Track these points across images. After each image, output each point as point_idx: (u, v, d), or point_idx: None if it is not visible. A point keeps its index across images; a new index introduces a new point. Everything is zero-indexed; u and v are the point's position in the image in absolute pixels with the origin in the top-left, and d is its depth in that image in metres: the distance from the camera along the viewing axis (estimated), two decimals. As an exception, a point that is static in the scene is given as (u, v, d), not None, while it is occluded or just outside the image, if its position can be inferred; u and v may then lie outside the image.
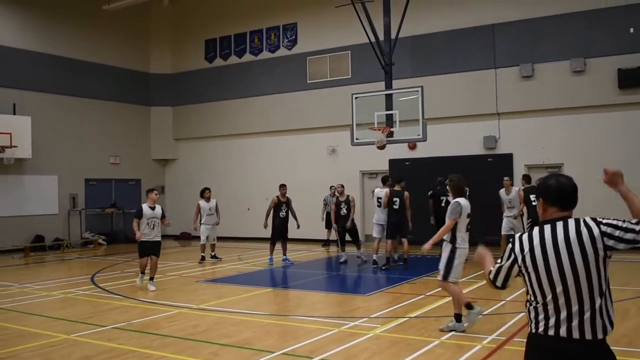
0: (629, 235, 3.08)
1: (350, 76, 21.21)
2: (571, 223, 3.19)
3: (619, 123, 17.20)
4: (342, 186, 15.91)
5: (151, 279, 12.13)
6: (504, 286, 3.38)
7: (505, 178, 15.29)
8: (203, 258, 16.30)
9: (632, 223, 3.10)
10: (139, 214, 12.10)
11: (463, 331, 7.90)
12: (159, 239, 12.32)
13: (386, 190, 14.73)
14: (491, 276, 3.42)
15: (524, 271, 3.24)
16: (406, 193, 14.46)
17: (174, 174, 25.69)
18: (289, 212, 15.88)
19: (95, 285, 12.75)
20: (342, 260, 15.60)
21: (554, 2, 18.05)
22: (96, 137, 23.13)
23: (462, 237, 8.17)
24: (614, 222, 3.12)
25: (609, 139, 17.23)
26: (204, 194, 16.33)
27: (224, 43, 24.44)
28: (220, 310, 9.82)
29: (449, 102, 19.20)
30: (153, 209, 12.19)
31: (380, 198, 14.76)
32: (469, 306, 8.04)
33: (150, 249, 12.12)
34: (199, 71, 25.01)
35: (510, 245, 3.32)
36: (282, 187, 15.91)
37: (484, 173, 17.17)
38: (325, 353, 7.05)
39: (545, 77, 18.06)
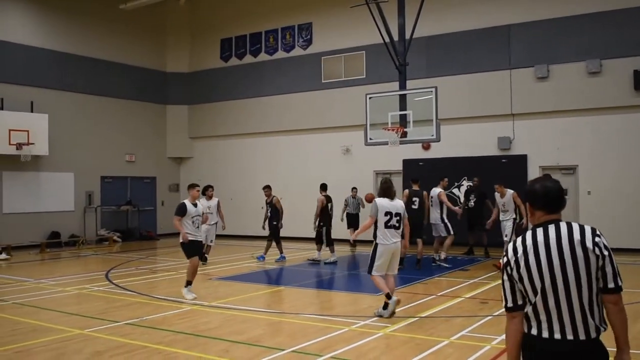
0: (604, 275, 3.17)
1: (364, 76, 21.22)
2: (563, 226, 3.24)
3: (634, 125, 17.07)
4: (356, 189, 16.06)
5: (189, 283, 10.87)
6: (515, 304, 3.30)
7: (496, 185, 15.00)
8: (205, 258, 15.56)
9: (613, 277, 3.17)
10: (182, 211, 10.92)
11: (384, 316, 8.91)
12: (202, 239, 11.68)
13: (405, 190, 14.87)
14: (503, 303, 3.39)
15: (517, 274, 3.24)
16: (425, 192, 14.64)
17: (189, 172, 25.82)
18: (271, 211, 16.23)
19: (109, 281, 12.87)
20: (332, 260, 15.80)
21: (570, 2, 17.98)
22: (112, 134, 23.30)
23: (382, 234, 9.15)
24: (609, 259, 3.17)
25: (624, 141, 17.12)
26: (206, 191, 15.63)
27: (239, 42, 24.53)
28: (231, 307, 9.89)
29: (463, 103, 19.16)
30: (195, 205, 11.18)
31: (432, 197, 14.83)
32: (388, 296, 9.00)
33: (198, 249, 11.31)
34: (214, 70, 25.12)
35: (504, 257, 3.33)
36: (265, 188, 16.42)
37: (498, 174, 17.12)
38: (335, 351, 7.10)
39: (561, 78, 17.98)
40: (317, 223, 15.87)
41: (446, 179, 15.39)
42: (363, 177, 20.50)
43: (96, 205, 22.48)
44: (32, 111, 20.25)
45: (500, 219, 14.73)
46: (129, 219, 23.81)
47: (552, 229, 3.25)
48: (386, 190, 9.47)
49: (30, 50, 20.66)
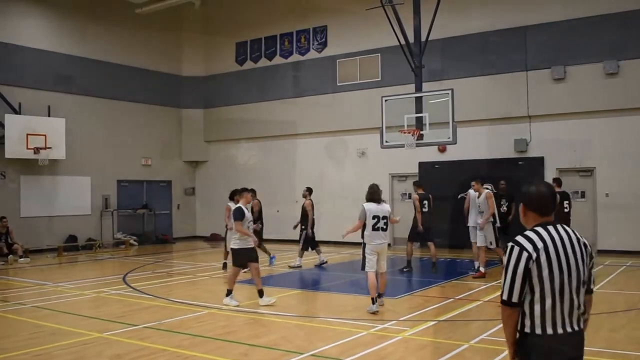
0: (589, 275, 3.54)
1: (380, 79, 21.17)
2: (561, 227, 3.54)
3: (653, 126, 16.96)
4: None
5: (261, 292, 10.44)
6: (519, 299, 3.42)
7: (473, 182, 14.02)
8: (224, 265, 15.28)
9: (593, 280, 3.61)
10: (241, 215, 10.43)
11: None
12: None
13: (415, 195, 14.76)
14: (504, 297, 3.46)
15: (537, 269, 3.38)
16: (430, 195, 14.62)
17: (204, 175, 25.88)
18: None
19: (126, 284, 12.92)
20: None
21: (587, 3, 17.85)
22: (128, 138, 23.41)
23: (369, 234, 9.92)
24: (590, 264, 3.57)
25: (642, 143, 17.01)
26: (236, 195, 14.20)
27: (254, 46, 24.58)
28: (249, 311, 9.90)
29: (479, 105, 19.06)
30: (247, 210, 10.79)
31: (479, 200, 13.79)
32: (373, 300, 9.66)
33: (252, 256, 10.69)
34: (229, 74, 25.17)
35: (517, 250, 3.41)
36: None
37: (515, 176, 16.99)
38: (354, 355, 7.07)
39: (578, 79, 17.85)
40: (306, 227, 15.67)
41: (479, 181, 14.65)
42: (378, 180, 20.40)
43: (113, 209, 22.58)
44: (49, 115, 20.40)
45: (471, 223, 13.75)
46: (145, 222, 23.91)
47: (556, 228, 3.51)
48: (373, 195, 10.20)
49: (47, 55, 20.80)
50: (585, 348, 3.51)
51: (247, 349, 7.46)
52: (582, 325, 3.47)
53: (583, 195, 17.84)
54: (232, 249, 10.76)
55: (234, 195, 14.56)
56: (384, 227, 9.99)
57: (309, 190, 16.12)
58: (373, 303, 9.71)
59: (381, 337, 7.97)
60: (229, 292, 10.54)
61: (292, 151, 23.26)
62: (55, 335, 8.26)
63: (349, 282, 13.51)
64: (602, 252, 16.42)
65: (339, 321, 9.10)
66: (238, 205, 10.81)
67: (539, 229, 3.49)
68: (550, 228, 3.48)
